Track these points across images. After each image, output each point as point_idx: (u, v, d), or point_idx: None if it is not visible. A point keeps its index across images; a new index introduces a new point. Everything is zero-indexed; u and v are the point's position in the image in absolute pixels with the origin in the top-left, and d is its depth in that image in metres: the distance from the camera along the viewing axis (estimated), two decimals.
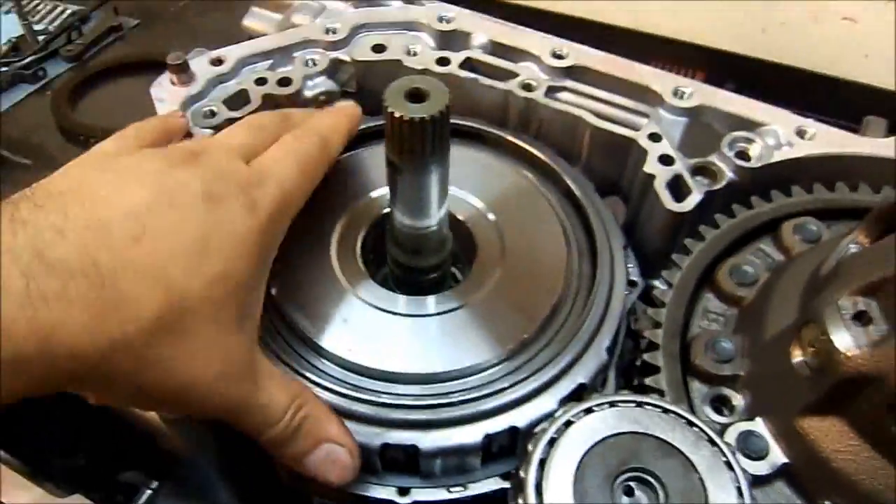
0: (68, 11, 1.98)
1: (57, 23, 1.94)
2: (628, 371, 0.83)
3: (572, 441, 0.63)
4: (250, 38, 0.99)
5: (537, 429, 0.66)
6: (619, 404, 0.65)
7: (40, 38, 1.90)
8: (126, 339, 0.52)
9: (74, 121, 1.71)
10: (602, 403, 0.65)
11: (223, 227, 0.60)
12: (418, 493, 0.71)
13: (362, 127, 0.84)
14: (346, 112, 0.80)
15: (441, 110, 0.62)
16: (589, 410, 0.65)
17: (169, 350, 0.55)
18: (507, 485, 0.71)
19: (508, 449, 0.73)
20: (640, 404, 0.65)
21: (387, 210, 0.80)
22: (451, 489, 0.71)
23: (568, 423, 0.64)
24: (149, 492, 0.83)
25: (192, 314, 0.56)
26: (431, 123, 0.63)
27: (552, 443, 0.63)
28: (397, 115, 0.62)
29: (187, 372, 0.56)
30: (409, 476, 0.72)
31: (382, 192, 0.82)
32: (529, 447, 0.64)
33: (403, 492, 0.71)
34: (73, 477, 0.91)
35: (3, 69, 1.83)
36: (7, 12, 2.01)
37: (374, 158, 0.85)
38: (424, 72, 0.90)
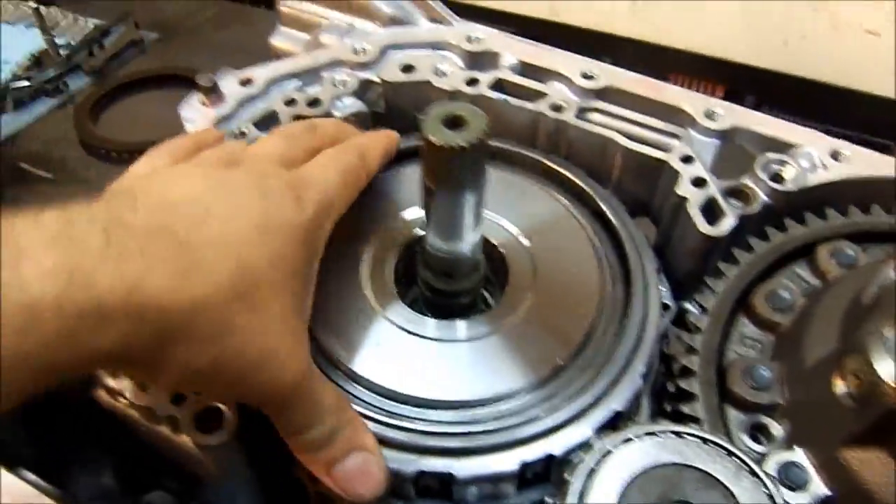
0: (90, 25, 1.99)
1: (78, 37, 1.96)
2: (659, 395, 0.82)
3: (612, 472, 0.63)
4: (279, 56, 0.99)
5: (574, 457, 0.66)
6: (659, 434, 0.65)
7: (62, 51, 1.91)
8: (206, 301, 0.53)
9: (96, 134, 1.72)
10: (641, 433, 0.65)
11: (276, 215, 0.61)
12: None
13: (408, 145, 0.85)
14: (385, 133, 0.80)
15: (480, 138, 0.62)
16: (628, 440, 0.64)
17: (246, 318, 0.55)
18: None
19: (542, 476, 0.72)
20: (679, 434, 0.65)
21: (419, 233, 0.80)
22: None
23: (607, 454, 0.64)
24: None
25: (262, 289, 0.57)
26: (469, 151, 0.62)
27: (591, 473, 0.63)
28: (435, 141, 0.62)
29: (265, 343, 0.57)
30: (439, 502, 0.72)
31: (414, 213, 0.82)
32: (567, 477, 0.63)
33: None
34: (98, 496, 0.91)
35: (26, 83, 1.84)
36: (28, 26, 2.03)
37: (406, 179, 0.85)
38: (455, 93, 0.89)
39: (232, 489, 0.78)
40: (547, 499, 0.74)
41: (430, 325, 0.75)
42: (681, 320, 0.84)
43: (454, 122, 0.63)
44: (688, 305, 0.87)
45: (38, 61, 1.91)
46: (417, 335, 0.74)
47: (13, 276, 0.45)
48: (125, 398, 0.74)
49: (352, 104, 0.90)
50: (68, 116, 1.82)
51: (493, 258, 0.80)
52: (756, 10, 1.78)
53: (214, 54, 1.91)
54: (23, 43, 1.96)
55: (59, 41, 1.95)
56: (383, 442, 0.68)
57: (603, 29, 1.90)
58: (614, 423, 0.72)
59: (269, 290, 0.58)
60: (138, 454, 0.84)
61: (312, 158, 0.71)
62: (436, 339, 0.74)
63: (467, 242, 0.73)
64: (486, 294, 0.84)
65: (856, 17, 1.69)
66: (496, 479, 0.69)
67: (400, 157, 0.86)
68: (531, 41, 0.93)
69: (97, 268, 0.48)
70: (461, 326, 0.75)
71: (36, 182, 1.69)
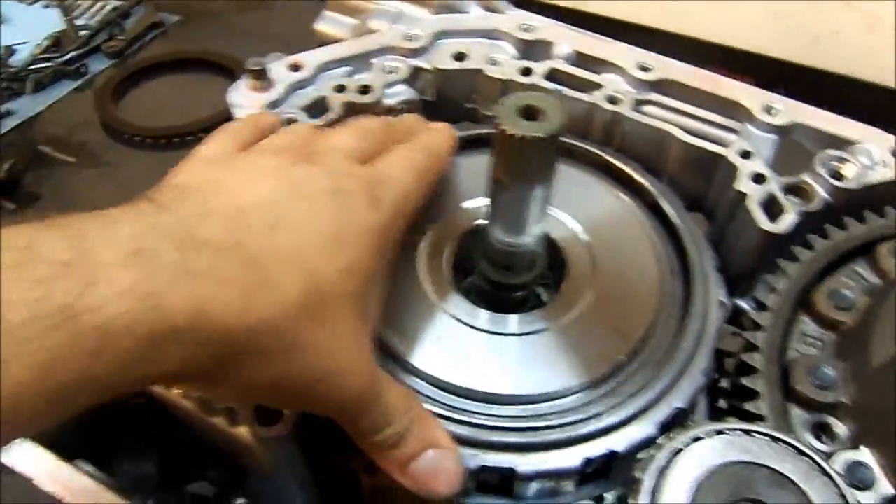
0: (109, 7, 1.97)
1: (98, 18, 1.93)
2: (712, 392, 0.81)
3: (683, 470, 0.62)
4: (324, 42, 0.97)
5: (642, 455, 0.65)
6: (728, 432, 0.64)
7: (81, 33, 1.89)
8: (273, 321, 0.52)
9: (118, 118, 1.70)
10: (710, 431, 0.64)
11: (350, 220, 0.60)
12: None
13: (465, 133, 0.83)
14: (450, 133, 0.78)
15: (557, 129, 0.61)
16: (697, 438, 0.64)
17: (313, 335, 0.54)
18: None
19: (601, 472, 0.72)
20: (748, 432, 0.64)
21: (477, 223, 0.79)
22: None
23: (677, 452, 0.63)
24: None
25: (331, 302, 0.56)
26: (545, 143, 0.61)
27: (662, 472, 0.62)
28: (510, 132, 0.61)
29: (331, 358, 0.56)
30: (500, 498, 0.71)
31: (472, 203, 0.80)
32: (639, 475, 0.62)
33: None
34: (139, 484, 0.90)
35: (46, 65, 1.82)
36: (46, 6, 2.01)
37: (462, 168, 0.83)
38: (508, 82, 0.88)
39: (283, 481, 0.77)
40: (606, 495, 0.73)
41: (490, 319, 0.74)
42: (733, 317, 0.83)
43: (530, 113, 0.62)
44: (740, 302, 0.86)
45: (57, 42, 1.89)
46: (479, 329, 0.73)
47: (90, 297, 0.43)
48: (176, 389, 0.73)
49: (402, 91, 0.89)
50: (88, 99, 1.80)
51: (551, 252, 0.79)
52: (787, 5, 1.76)
53: (235, 39, 1.90)
54: (41, 24, 1.94)
55: (78, 22, 1.92)
56: None
57: (630, 19, 1.88)
58: (676, 420, 0.71)
59: (340, 302, 0.57)
60: (185, 444, 0.83)
61: (385, 154, 0.69)
62: (497, 334, 0.73)
63: (531, 236, 0.72)
64: (540, 290, 0.83)
65: (888, 14, 1.67)
66: (558, 475, 0.68)
67: (463, 146, 0.84)
68: (585, 31, 0.92)
69: (169, 288, 0.47)
70: (522, 321, 0.74)
71: (58, 166, 1.68)
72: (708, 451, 0.63)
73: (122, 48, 1.87)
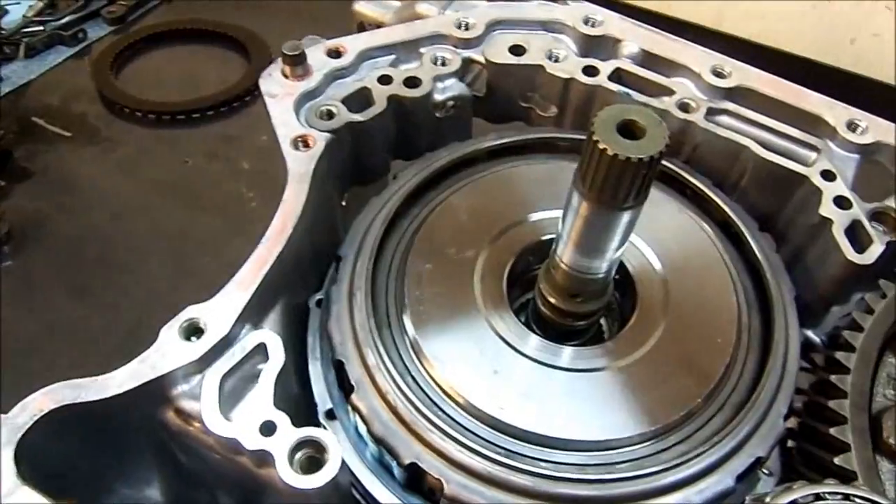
0: None
1: None
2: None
3: None
4: (361, 24, 0.89)
5: None
6: (828, 497, 0.57)
7: None
8: None
9: (118, 90, 1.59)
10: (808, 496, 0.57)
11: None
12: None
13: (519, 138, 0.76)
14: None
15: (660, 151, 0.53)
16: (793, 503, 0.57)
17: None
18: None
19: None
20: (848, 497, 0.57)
21: (542, 238, 0.71)
22: None
23: None
24: None
25: None
26: (645, 166, 0.53)
27: None
28: (607, 150, 0.53)
29: None
30: None
31: (537, 216, 0.73)
32: None
33: None
34: None
35: (39, 28, 1.70)
36: None
37: (524, 176, 0.76)
38: (570, 81, 0.80)
39: None
40: None
41: (558, 352, 0.66)
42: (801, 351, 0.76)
43: (629, 130, 0.54)
44: (809, 333, 0.80)
45: (52, 4, 1.76)
46: (542, 363, 0.65)
47: None
48: (197, 424, 0.65)
49: (452, 86, 0.80)
50: (86, 68, 1.69)
51: (620, 280, 0.71)
52: (827, 6, 1.69)
53: (249, 10, 1.77)
54: None
55: None
56: (503, 486, 0.60)
57: (661, 10, 1.80)
58: (754, 469, 0.65)
59: None
60: (197, 473, 0.75)
61: None
62: (563, 369, 0.65)
63: (607, 261, 0.64)
64: (602, 321, 0.75)
65: None
66: None
67: (524, 150, 0.77)
68: (654, 28, 0.83)
69: None
70: (591, 355, 0.67)
71: (51, 140, 1.56)
72: None
73: (123, 14, 1.76)
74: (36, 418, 0.61)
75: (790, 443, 0.74)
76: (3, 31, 1.60)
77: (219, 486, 0.76)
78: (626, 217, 0.58)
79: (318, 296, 0.76)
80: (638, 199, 0.56)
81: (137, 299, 1.41)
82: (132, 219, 1.50)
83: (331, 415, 0.70)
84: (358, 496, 0.68)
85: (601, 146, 0.53)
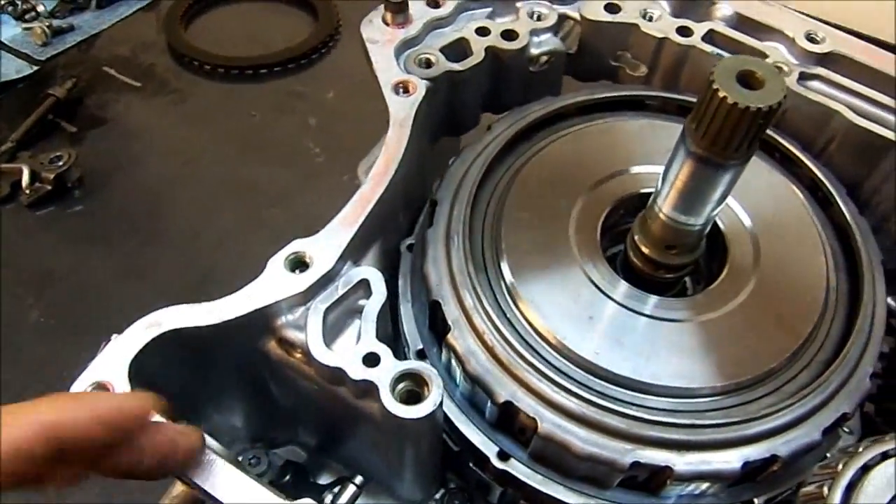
0: None
1: None
2: None
3: (873, 489, 0.57)
4: None
5: (818, 468, 0.60)
6: None
7: None
8: None
9: (187, 43, 1.62)
10: None
11: None
12: None
13: (612, 94, 0.78)
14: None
15: (778, 102, 0.54)
16: (886, 455, 0.58)
17: None
18: None
19: (750, 475, 0.66)
20: None
21: (636, 192, 0.73)
22: None
23: (866, 469, 0.58)
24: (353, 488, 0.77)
25: None
26: (762, 116, 0.54)
27: (850, 489, 0.57)
28: (728, 98, 0.54)
29: None
30: (640, 495, 0.66)
31: (634, 170, 0.74)
32: (823, 490, 0.57)
33: None
34: (225, 435, 0.85)
35: None
36: None
37: (622, 131, 0.77)
38: (663, 41, 0.80)
39: (408, 455, 0.71)
40: (755, 500, 0.68)
41: (649, 301, 0.68)
42: None
43: (749, 81, 0.55)
44: (888, 300, 0.80)
45: None
46: (634, 311, 0.67)
47: None
48: (298, 354, 0.67)
49: (547, 41, 0.81)
50: (154, 20, 1.72)
51: (711, 236, 0.72)
52: None
53: None
54: None
55: None
56: (597, 427, 0.62)
57: None
58: (839, 425, 0.66)
59: None
60: (283, 408, 0.78)
61: None
62: (657, 318, 0.67)
63: (705, 216, 0.65)
64: (687, 280, 0.77)
65: None
66: (716, 476, 0.63)
67: (617, 106, 0.78)
68: None
69: None
70: (683, 306, 0.68)
71: (122, 89, 1.60)
72: None
73: None
74: (151, 337, 0.63)
75: (867, 406, 0.75)
76: None
77: (305, 420, 0.79)
78: (732, 169, 0.59)
79: (409, 240, 0.78)
80: (749, 151, 0.57)
81: (209, 245, 1.42)
82: (201, 168, 1.53)
83: (421, 354, 0.72)
84: (444, 435, 0.71)
85: (721, 94, 0.54)
